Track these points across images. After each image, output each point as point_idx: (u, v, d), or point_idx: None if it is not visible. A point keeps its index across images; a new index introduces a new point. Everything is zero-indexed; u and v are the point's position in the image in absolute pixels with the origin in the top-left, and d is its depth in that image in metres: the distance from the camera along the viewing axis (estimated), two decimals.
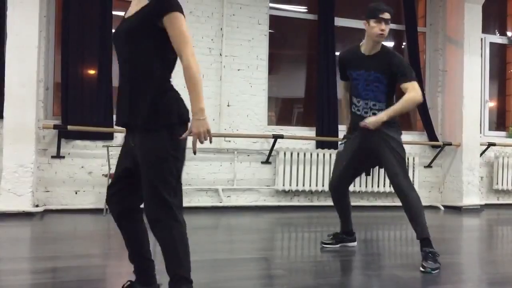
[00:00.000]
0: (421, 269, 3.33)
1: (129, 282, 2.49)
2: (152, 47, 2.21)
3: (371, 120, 3.53)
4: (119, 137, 5.92)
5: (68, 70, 5.78)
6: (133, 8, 2.27)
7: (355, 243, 4.13)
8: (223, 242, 4.46)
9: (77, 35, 5.82)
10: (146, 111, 2.17)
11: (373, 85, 3.65)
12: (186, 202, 6.27)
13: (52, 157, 5.74)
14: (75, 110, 5.77)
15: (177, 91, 2.32)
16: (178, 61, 2.33)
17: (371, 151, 3.70)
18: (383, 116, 3.53)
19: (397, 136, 3.69)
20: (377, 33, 3.55)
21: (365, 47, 3.69)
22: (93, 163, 5.85)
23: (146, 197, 2.20)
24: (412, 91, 3.52)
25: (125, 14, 2.35)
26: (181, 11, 2.20)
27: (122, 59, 2.28)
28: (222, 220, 5.74)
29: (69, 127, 5.60)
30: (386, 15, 3.55)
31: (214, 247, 4.06)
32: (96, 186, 5.85)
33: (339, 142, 3.98)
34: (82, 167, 5.81)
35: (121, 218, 2.36)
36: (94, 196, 5.84)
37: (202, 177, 6.33)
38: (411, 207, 3.56)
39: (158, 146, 2.17)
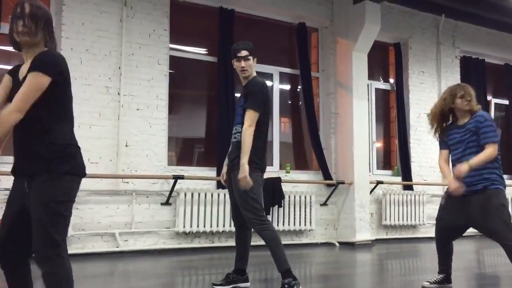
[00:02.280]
0: None
1: None
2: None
3: None
4: (3, 180, 5.45)
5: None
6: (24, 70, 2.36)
7: (248, 284, 4.09)
8: None
9: None
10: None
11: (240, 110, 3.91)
12: (79, 249, 5.95)
13: None
14: None
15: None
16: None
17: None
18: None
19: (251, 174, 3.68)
20: (239, 69, 3.92)
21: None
22: None
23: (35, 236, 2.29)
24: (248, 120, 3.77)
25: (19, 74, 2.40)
26: (45, 71, 2.25)
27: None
28: (119, 266, 5.46)
29: None
30: (243, 53, 3.89)
31: None
32: None
33: None
34: None
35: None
36: None
37: (98, 221, 6.01)
38: (268, 242, 3.73)
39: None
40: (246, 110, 3.75)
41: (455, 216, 3.86)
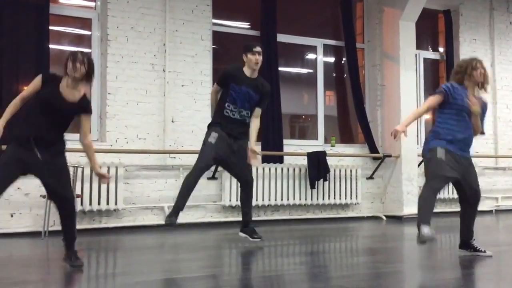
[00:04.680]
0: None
1: None
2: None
3: None
4: None
5: (3, 87, 5.51)
6: (70, 95, 3.63)
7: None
8: (170, 261, 4.37)
9: (12, 50, 5.57)
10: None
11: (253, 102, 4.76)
12: (130, 222, 6.17)
13: None
14: (10, 129, 5.48)
15: None
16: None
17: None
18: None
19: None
20: (253, 63, 4.67)
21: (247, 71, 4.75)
22: (30, 184, 5.57)
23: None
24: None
25: (60, 92, 3.61)
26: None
27: (52, 119, 3.56)
28: (168, 238, 5.63)
29: (4, 147, 5.31)
30: (258, 48, 4.69)
31: (160, 267, 3.97)
32: (33, 208, 5.58)
33: None
34: (19, 188, 5.51)
35: None
36: (31, 218, 5.56)
37: (147, 195, 6.20)
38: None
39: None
40: (259, 108, 4.75)
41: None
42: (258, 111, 4.78)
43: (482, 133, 4.29)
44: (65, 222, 3.69)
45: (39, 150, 3.51)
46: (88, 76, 3.66)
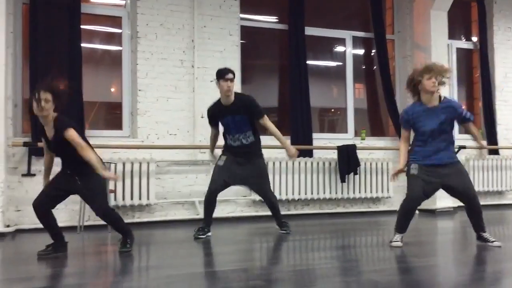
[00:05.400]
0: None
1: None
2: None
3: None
4: None
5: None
6: (50, 130, 4.00)
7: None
8: (201, 255, 4.42)
9: (45, 50, 5.71)
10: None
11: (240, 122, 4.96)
12: (162, 216, 6.27)
13: (23, 175, 5.60)
14: None
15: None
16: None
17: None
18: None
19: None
20: (225, 89, 4.82)
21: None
22: None
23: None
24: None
25: (46, 135, 4.06)
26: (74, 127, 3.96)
27: (58, 155, 4.18)
28: None
29: (39, 144, 5.47)
30: (230, 75, 4.83)
31: (192, 261, 4.02)
32: (68, 203, 5.71)
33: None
34: None
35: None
36: (67, 213, 5.72)
37: (178, 190, 6.28)
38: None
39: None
40: (261, 120, 4.90)
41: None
42: (260, 123, 4.94)
43: (471, 121, 4.49)
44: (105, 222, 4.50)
45: (76, 176, 4.11)
46: (56, 103, 3.92)
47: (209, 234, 5.03)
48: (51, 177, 4.26)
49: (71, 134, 3.87)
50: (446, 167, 4.29)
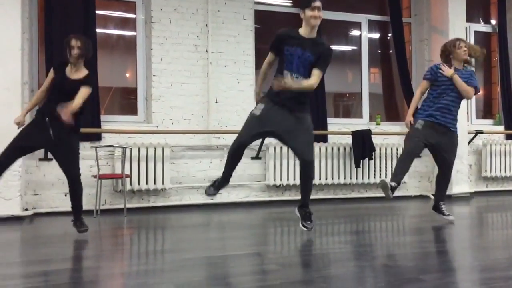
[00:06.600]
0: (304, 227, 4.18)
1: None
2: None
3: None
4: (107, 137, 5.87)
5: (54, 63, 5.70)
6: (74, 74, 4.22)
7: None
8: (216, 239, 4.46)
9: (61, 36, 5.69)
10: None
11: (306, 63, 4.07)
12: (177, 201, 6.31)
13: (40, 159, 5.68)
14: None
15: None
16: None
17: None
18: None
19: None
20: (312, 18, 4.00)
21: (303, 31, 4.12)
22: (82, 165, 5.68)
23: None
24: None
25: (66, 72, 4.24)
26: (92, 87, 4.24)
27: (64, 95, 4.11)
28: (214, 217, 5.73)
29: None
30: (318, 3, 4.01)
31: (206, 245, 4.05)
32: (85, 187, 5.70)
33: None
34: None
35: None
36: (84, 198, 5.75)
37: (193, 174, 6.31)
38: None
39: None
40: (317, 70, 4.01)
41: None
42: (313, 71, 4.04)
43: (477, 91, 4.86)
44: (70, 193, 4.37)
45: (52, 129, 4.11)
46: (84, 55, 4.20)
47: (221, 191, 4.50)
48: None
49: (87, 92, 4.14)
50: (446, 129, 4.70)
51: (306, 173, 4.20)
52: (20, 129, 4.26)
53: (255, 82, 4.33)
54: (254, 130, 4.09)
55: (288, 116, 4.04)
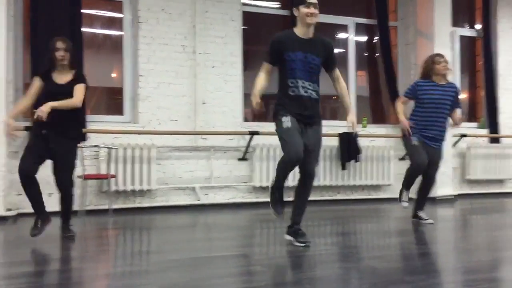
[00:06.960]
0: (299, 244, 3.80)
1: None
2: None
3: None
4: (93, 137, 5.83)
5: (38, 71, 5.63)
6: (61, 79, 4.17)
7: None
8: (202, 240, 4.44)
9: (46, 35, 5.65)
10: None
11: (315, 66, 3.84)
12: (163, 202, 6.28)
13: None
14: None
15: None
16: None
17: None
18: None
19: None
20: (306, 15, 3.71)
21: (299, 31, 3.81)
22: None
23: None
24: None
25: (54, 79, 4.17)
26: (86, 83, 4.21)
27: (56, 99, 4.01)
28: (200, 218, 5.72)
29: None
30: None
31: (192, 246, 4.04)
32: None
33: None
34: None
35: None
36: None
37: (179, 175, 6.29)
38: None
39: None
40: (335, 70, 4.00)
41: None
42: (332, 73, 3.96)
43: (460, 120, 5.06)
44: (60, 200, 4.29)
45: (50, 136, 4.05)
46: (69, 57, 4.17)
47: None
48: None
49: (84, 87, 4.12)
50: (433, 147, 4.88)
51: (305, 186, 3.92)
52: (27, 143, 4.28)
53: (252, 93, 3.92)
54: (301, 141, 3.67)
55: (308, 127, 3.81)
